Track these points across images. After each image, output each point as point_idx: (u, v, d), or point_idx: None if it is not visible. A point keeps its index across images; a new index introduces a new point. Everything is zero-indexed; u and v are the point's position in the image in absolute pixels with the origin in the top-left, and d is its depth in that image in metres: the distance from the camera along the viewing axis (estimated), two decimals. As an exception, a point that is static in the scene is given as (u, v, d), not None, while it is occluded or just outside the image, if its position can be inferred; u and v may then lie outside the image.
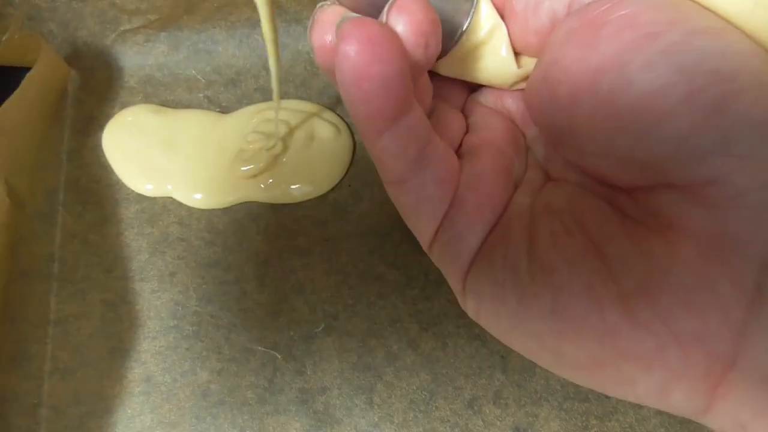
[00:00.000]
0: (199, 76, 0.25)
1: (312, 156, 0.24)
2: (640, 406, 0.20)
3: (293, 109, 0.25)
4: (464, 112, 0.14)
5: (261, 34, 0.25)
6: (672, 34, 0.10)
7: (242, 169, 0.23)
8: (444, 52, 0.13)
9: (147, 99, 0.25)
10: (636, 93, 0.10)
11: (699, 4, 0.11)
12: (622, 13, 0.10)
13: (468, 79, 0.14)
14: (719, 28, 0.10)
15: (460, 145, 0.13)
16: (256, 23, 0.25)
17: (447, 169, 0.12)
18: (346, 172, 0.24)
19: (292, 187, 0.24)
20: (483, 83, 0.14)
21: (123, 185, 0.23)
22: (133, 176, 0.24)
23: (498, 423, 0.20)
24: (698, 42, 0.10)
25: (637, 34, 0.10)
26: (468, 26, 0.13)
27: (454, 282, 0.13)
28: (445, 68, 0.14)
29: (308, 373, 0.21)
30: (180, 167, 0.24)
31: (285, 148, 0.24)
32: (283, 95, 0.25)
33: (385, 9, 0.11)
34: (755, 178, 0.09)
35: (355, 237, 0.23)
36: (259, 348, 0.21)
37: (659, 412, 0.20)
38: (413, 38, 0.11)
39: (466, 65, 0.13)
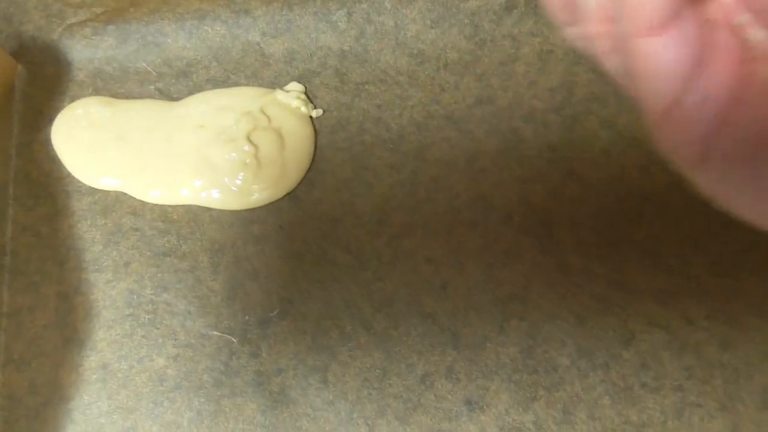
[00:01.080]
0: (149, 69, 0.30)
1: (283, 158, 0.29)
2: (586, 377, 0.25)
3: (252, 96, 0.30)
4: None
5: (210, 25, 0.29)
6: None
7: (236, 182, 0.27)
8: None
9: (97, 92, 0.29)
10: None
11: None
12: None
13: None
14: None
15: None
16: (204, 14, 0.29)
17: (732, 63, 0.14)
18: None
19: (256, 194, 0.28)
20: None
21: (75, 178, 0.27)
22: (84, 169, 0.28)
23: (449, 397, 0.25)
24: None
25: None
26: None
27: (685, 154, 0.14)
28: None
29: (263, 355, 0.25)
30: (131, 161, 0.28)
31: (256, 156, 0.28)
32: (234, 85, 0.29)
33: None
34: None
35: (308, 223, 0.27)
36: (215, 333, 0.25)
37: (604, 380, 0.25)
38: None
39: None
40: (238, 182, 0.29)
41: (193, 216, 0.29)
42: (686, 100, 0.13)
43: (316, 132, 0.30)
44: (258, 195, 0.29)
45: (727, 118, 0.13)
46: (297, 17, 0.31)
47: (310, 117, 0.31)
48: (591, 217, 0.29)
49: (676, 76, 0.13)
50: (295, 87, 0.31)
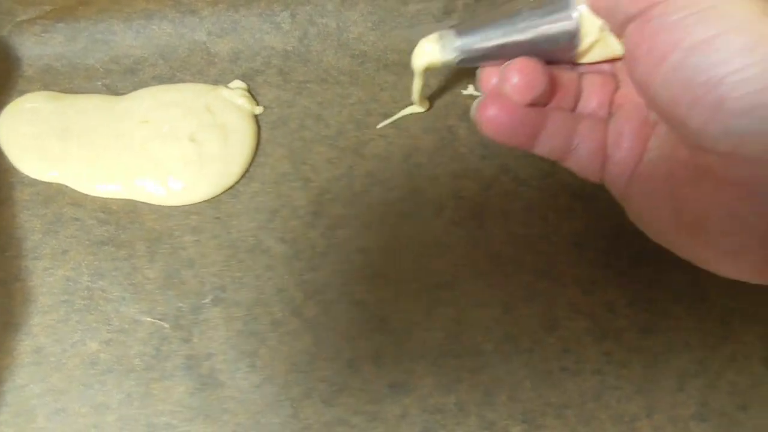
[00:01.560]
0: (97, 65, 0.33)
1: (226, 154, 0.31)
2: (509, 361, 0.28)
3: (197, 91, 0.33)
4: (615, 74, 0.26)
5: (158, 25, 0.33)
6: (675, 54, 0.19)
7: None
8: (577, 54, 0.25)
9: (46, 88, 0.32)
10: (663, 101, 0.21)
11: None
12: (652, 33, 0.20)
13: (598, 60, 0.26)
14: (712, 36, 0.19)
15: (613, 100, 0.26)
16: (152, 14, 0.33)
17: (593, 139, 0.25)
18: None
19: (198, 190, 0.32)
20: (613, 58, 0.25)
21: (19, 170, 0.30)
22: (28, 162, 0.31)
23: (375, 380, 0.27)
24: (692, 59, 0.19)
25: (655, 56, 0.20)
26: (579, 40, 0.25)
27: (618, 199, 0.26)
28: (581, 59, 0.26)
29: (195, 341, 0.28)
30: (74, 154, 0.31)
31: (199, 152, 0.31)
32: (180, 82, 0.32)
33: (503, 67, 0.25)
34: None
35: (245, 214, 0.30)
36: (147, 319, 0.28)
37: (527, 364, 0.28)
38: (522, 84, 0.24)
39: (593, 55, 0.26)
40: (180, 179, 0.32)
41: (134, 207, 0.31)
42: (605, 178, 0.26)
43: (258, 128, 0.33)
44: (199, 191, 0.32)
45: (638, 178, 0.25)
46: (242, 18, 0.34)
47: (254, 114, 0.34)
48: (522, 211, 0.32)
49: (591, 174, 0.27)
50: (238, 84, 0.34)
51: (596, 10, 0.24)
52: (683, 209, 0.23)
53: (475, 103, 0.25)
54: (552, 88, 0.26)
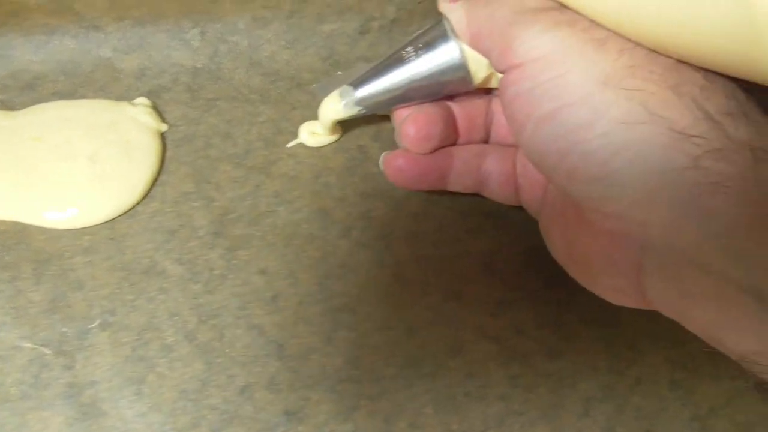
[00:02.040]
0: (-6, 81, 0.32)
1: (128, 173, 0.31)
2: (411, 386, 0.27)
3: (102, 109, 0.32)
4: None
5: (60, 40, 0.32)
6: (540, 109, 0.21)
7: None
8: (478, 86, 0.27)
9: (-64, 102, 0.31)
10: (532, 160, 0.23)
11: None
12: (510, 101, 0.23)
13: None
14: (555, 109, 0.21)
15: None
16: (54, 29, 0.32)
17: (502, 170, 0.29)
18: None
19: (95, 213, 0.31)
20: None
21: None
22: None
23: (269, 408, 0.26)
24: (543, 130, 0.21)
25: (516, 123, 0.22)
26: (471, 76, 0.26)
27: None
28: (487, 85, 0.27)
29: (77, 367, 0.27)
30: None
31: (99, 172, 0.30)
32: (81, 98, 0.32)
33: (401, 120, 0.27)
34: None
35: (142, 235, 0.30)
36: (28, 345, 0.27)
37: (429, 390, 0.27)
38: (419, 137, 0.27)
39: (492, 83, 0.27)
40: (75, 200, 0.31)
41: (22, 228, 0.30)
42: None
43: (164, 146, 0.33)
44: (96, 213, 0.31)
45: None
46: (149, 34, 0.34)
47: (160, 132, 0.33)
48: (432, 232, 0.32)
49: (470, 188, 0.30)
50: (142, 101, 0.34)
51: (475, 49, 0.25)
52: (572, 247, 0.25)
53: (382, 155, 0.28)
54: (454, 128, 0.28)
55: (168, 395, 0.28)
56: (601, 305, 0.31)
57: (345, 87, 0.30)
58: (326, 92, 0.31)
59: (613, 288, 0.24)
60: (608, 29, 0.20)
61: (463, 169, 0.29)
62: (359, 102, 0.29)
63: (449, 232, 0.32)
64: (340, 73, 0.32)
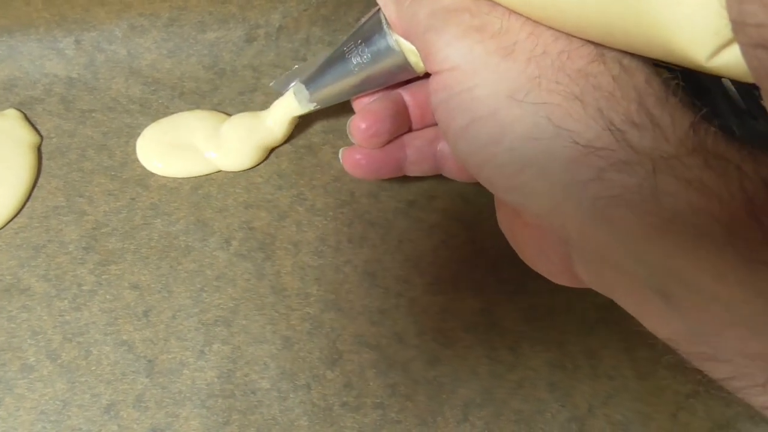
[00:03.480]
0: None
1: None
2: (285, 399, 0.28)
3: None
4: None
5: None
6: (456, 122, 0.22)
7: None
8: (419, 74, 0.27)
9: None
10: (457, 160, 0.27)
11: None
12: (434, 108, 0.24)
13: None
14: (466, 124, 0.22)
15: None
16: None
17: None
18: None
19: None
20: None
21: None
22: None
23: (135, 426, 0.27)
24: (458, 144, 0.23)
25: (444, 123, 0.23)
26: (412, 67, 0.27)
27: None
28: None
29: None
30: None
31: None
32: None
33: (349, 121, 0.29)
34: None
35: (5, 252, 0.30)
36: None
37: (303, 402, 0.28)
38: (368, 135, 0.29)
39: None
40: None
41: None
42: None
43: (39, 161, 0.33)
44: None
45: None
46: (19, 44, 0.35)
47: (35, 146, 0.33)
48: (314, 241, 0.33)
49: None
50: (12, 114, 0.34)
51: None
52: (512, 233, 0.26)
53: (341, 150, 0.30)
54: (406, 117, 0.30)
55: (25, 417, 0.28)
56: (482, 311, 0.32)
57: (298, 85, 0.31)
58: (285, 87, 0.33)
59: (548, 272, 0.25)
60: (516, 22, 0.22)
61: (418, 157, 0.30)
62: (312, 99, 0.31)
63: (331, 241, 0.33)
64: (296, 66, 0.33)
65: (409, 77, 0.28)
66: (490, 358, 0.31)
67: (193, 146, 0.34)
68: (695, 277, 0.18)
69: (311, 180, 0.35)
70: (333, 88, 0.30)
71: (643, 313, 0.21)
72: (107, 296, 0.31)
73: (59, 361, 0.29)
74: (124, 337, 0.30)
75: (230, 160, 0.34)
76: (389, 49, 0.26)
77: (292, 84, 0.32)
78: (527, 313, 0.32)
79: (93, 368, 0.29)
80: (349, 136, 0.30)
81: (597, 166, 0.20)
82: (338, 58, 0.29)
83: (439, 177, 0.33)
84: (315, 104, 0.31)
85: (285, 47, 0.38)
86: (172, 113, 0.36)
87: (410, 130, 0.31)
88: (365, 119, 0.29)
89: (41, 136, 0.34)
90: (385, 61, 0.27)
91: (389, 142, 0.30)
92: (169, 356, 0.30)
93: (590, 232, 0.21)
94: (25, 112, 0.35)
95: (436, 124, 0.31)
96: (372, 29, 0.27)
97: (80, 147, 0.34)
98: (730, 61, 0.16)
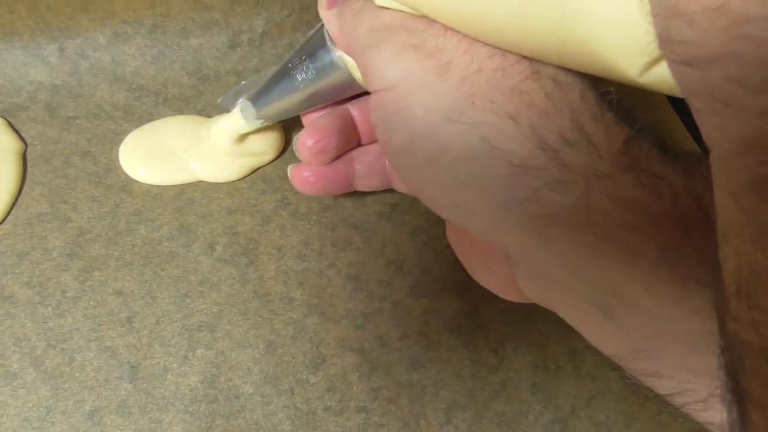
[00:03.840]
0: None
1: None
2: (269, 403, 0.28)
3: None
4: None
5: None
6: (394, 140, 0.23)
7: None
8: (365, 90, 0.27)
9: None
10: (398, 178, 0.30)
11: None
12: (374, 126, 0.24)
13: None
14: (405, 143, 0.22)
15: None
16: None
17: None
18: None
19: None
20: None
21: None
22: None
23: None
24: (398, 162, 0.24)
25: (382, 141, 0.24)
26: (357, 81, 0.26)
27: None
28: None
29: None
30: None
31: None
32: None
33: (295, 139, 0.30)
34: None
35: (-11, 258, 0.30)
36: None
37: (287, 406, 0.28)
38: (313, 152, 0.29)
39: None
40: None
41: None
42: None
43: (24, 168, 0.33)
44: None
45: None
46: (2, 51, 0.35)
47: (20, 153, 0.34)
48: (298, 246, 0.33)
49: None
50: (-5, 121, 0.34)
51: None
52: (459, 248, 0.27)
53: (289, 168, 0.30)
54: (353, 133, 0.30)
55: (9, 425, 0.28)
56: (466, 313, 0.32)
57: (245, 102, 0.31)
58: (233, 104, 0.32)
59: (495, 287, 0.26)
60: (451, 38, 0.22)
61: (367, 172, 0.30)
62: (259, 116, 0.31)
63: (315, 245, 0.34)
64: (243, 82, 0.34)
65: (356, 92, 0.28)
66: (473, 360, 0.32)
67: (175, 154, 0.35)
68: (633, 294, 0.19)
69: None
70: (279, 104, 0.29)
71: (587, 330, 0.22)
72: (91, 302, 0.31)
73: (43, 368, 0.29)
74: (108, 343, 0.30)
75: (213, 171, 0.34)
76: (333, 65, 0.26)
77: (239, 101, 0.32)
78: (510, 315, 0.33)
79: (76, 374, 0.30)
80: (296, 153, 0.30)
81: (531, 186, 0.20)
82: (284, 74, 0.29)
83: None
84: (262, 121, 0.31)
85: (269, 53, 0.38)
86: (157, 119, 0.36)
87: (359, 144, 0.31)
88: (312, 135, 0.29)
89: (25, 144, 0.35)
90: (330, 76, 0.27)
91: (337, 158, 0.30)
92: (153, 362, 0.30)
93: (530, 249, 0.21)
94: (9, 119, 0.35)
95: None
96: (316, 45, 0.27)
97: (64, 154, 0.35)
98: (662, 76, 0.16)
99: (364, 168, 0.30)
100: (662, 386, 0.20)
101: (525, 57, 0.21)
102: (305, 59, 0.28)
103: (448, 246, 0.34)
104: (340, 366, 0.31)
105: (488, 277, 0.25)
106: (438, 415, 0.30)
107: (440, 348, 0.32)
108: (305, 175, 0.30)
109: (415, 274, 0.34)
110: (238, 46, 0.38)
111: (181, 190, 0.34)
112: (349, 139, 0.30)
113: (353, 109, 0.30)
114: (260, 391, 0.30)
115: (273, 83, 0.29)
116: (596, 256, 0.19)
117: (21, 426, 0.28)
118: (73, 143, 0.35)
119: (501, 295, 0.26)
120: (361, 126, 0.30)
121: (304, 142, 0.29)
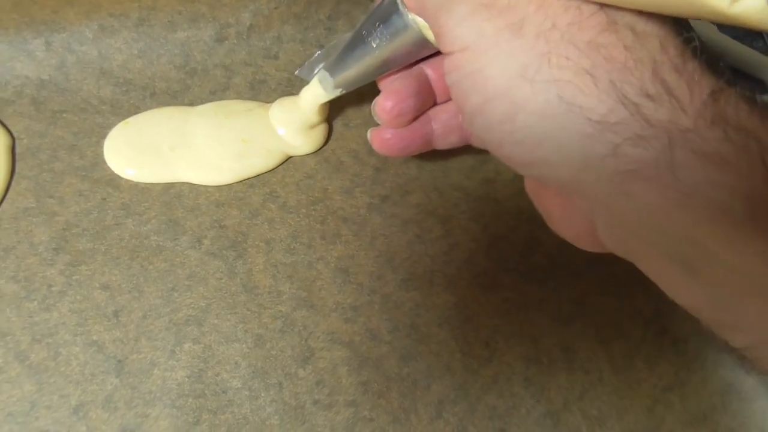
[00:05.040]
0: None
1: None
2: (257, 398, 0.28)
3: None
4: None
5: None
6: (470, 102, 0.23)
7: None
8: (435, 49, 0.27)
9: None
10: (475, 139, 0.31)
11: None
12: (450, 87, 0.25)
13: None
14: (481, 103, 0.23)
15: None
16: None
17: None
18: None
19: None
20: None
21: None
22: None
23: (104, 427, 0.27)
24: (474, 121, 0.24)
25: (459, 102, 0.24)
26: (431, 42, 0.27)
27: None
28: None
29: None
30: None
31: None
32: None
33: (373, 103, 0.30)
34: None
35: (-25, 253, 0.30)
36: None
37: (275, 400, 0.28)
38: (392, 116, 0.29)
39: None
40: None
41: None
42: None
43: (13, 162, 0.34)
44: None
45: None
46: (-12, 46, 0.35)
47: (9, 147, 0.34)
48: (287, 239, 0.33)
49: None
50: (-19, 115, 0.34)
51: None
52: (539, 199, 0.27)
53: (369, 131, 0.31)
54: (429, 93, 0.30)
55: (-7, 420, 0.28)
56: (456, 305, 0.32)
57: (323, 73, 0.32)
58: (310, 75, 0.33)
59: (573, 237, 0.26)
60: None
61: (444, 130, 0.31)
62: (337, 85, 0.31)
63: (304, 238, 0.34)
64: (318, 53, 0.33)
65: (430, 53, 0.28)
66: (464, 353, 0.32)
67: (162, 151, 0.35)
68: (715, 250, 0.19)
69: (283, 177, 0.36)
70: (356, 71, 0.30)
71: (666, 282, 0.22)
72: (77, 297, 0.31)
73: (27, 362, 0.30)
74: (94, 338, 0.30)
75: (208, 175, 0.35)
76: (407, 28, 0.27)
77: (317, 71, 0.33)
78: (501, 307, 0.33)
79: (62, 369, 0.30)
80: (375, 117, 0.30)
81: (612, 142, 0.20)
82: (358, 41, 0.29)
83: (413, 171, 0.34)
84: (341, 89, 0.31)
85: (256, 46, 0.38)
86: (143, 112, 0.36)
87: (435, 103, 0.31)
88: (389, 98, 0.29)
89: (13, 138, 0.35)
90: (404, 40, 0.27)
91: (415, 118, 0.31)
92: (140, 356, 0.30)
93: (612, 203, 0.21)
94: (-4, 114, 0.35)
95: None
96: (388, 9, 0.27)
97: (51, 148, 0.35)
98: (752, 6, 0.16)
99: (442, 127, 0.31)
100: (739, 339, 0.20)
101: (601, 7, 0.20)
102: (378, 25, 0.28)
103: (439, 238, 0.34)
104: (329, 359, 0.31)
105: (568, 228, 0.26)
106: (429, 409, 0.30)
107: (431, 341, 0.32)
108: (386, 137, 0.30)
109: (406, 266, 0.34)
110: (225, 40, 0.38)
111: (169, 184, 0.35)
112: (426, 100, 0.30)
113: (427, 68, 0.30)
114: (248, 386, 0.30)
115: (348, 51, 0.30)
116: (680, 212, 0.19)
117: (5, 421, 0.28)
118: (59, 137, 0.35)
119: (579, 245, 0.26)
120: (435, 85, 0.30)
121: (382, 105, 0.29)
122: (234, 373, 0.30)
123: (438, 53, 0.28)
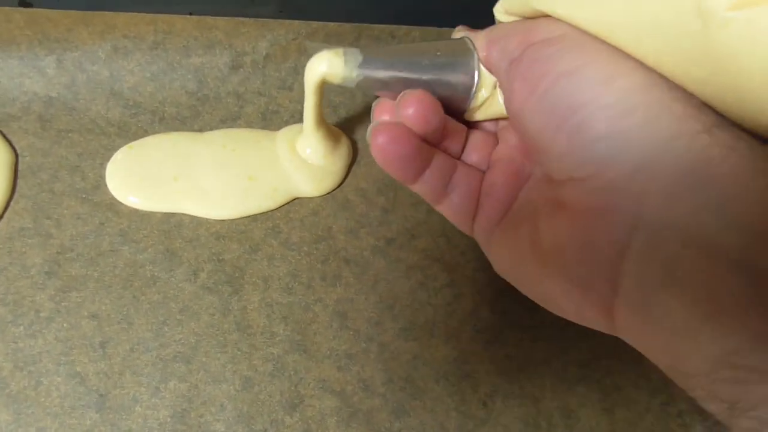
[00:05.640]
0: None
1: None
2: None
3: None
4: (497, 133, 0.29)
5: None
6: (545, 81, 0.23)
7: None
8: (468, 109, 0.27)
9: None
10: (533, 128, 0.24)
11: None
12: (529, 64, 0.24)
13: (487, 119, 0.28)
14: (576, 66, 0.22)
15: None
16: None
17: (469, 186, 0.27)
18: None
19: None
20: (497, 117, 0.28)
21: None
22: None
23: None
24: (558, 86, 0.22)
25: (529, 84, 0.23)
26: (474, 94, 0.27)
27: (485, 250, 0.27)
28: (470, 116, 0.28)
29: None
30: None
31: None
32: None
33: (398, 99, 0.26)
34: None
35: (-35, 272, 0.29)
36: None
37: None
38: (419, 115, 0.25)
39: (483, 111, 0.28)
40: None
41: None
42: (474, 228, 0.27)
43: (15, 179, 0.33)
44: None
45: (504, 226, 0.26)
46: None
47: (12, 163, 0.33)
48: (285, 276, 0.32)
49: (462, 220, 0.27)
50: (-14, 130, 0.34)
51: (488, 62, 0.26)
52: (542, 241, 0.24)
53: (370, 128, 0.26)
54: (443, 130, 0.28)
55: (-34, 449, 0.28)
56: (456, 359, 0.31)
57: (351, 48, 0.28)
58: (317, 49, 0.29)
59: (583, 280, 0.23)
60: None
61: (438, 172, 0.28)
62: (362, 67, 0.27)
63: (304, 278, 0.33)
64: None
65: (455, 108, 0.27)
66: (459, 411, 0.30)
67: (165, 180, 0.34)
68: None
69: (288, 213, 0.35)
70: (389, 70, 0.27)
71: (712, 313, 0.19)
72: (64, 324, 0.30)
73: (7, 391, 0.29)
74: (78, 369, 0.30)
75: (210, 210, 0.34)
76: (469, 68, 0.26)
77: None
78: (503, 365, 0.32)
79: (42, 399, 0.29)
80: (398, 110, 0.26)
81: (706, 123, 0.20)
82: (413, 50, 0.27)
83: (422, 214, 0.33)
84: (360, 73, 0.27)
85: (272, 76, 0.38)
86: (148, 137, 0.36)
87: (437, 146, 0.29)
88: (424, 99, 0.26)
89: (17, 154, 0.34)
90: (458, 76, 0.27)
91: (425, 144, 0.27)
92: (123, 391, 0.29)
93: (679, 194, 0.20)
94: (1, 129, 0.35)
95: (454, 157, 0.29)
96: (457, 47, 0.27)
97: (53, 167, 0.34)
98: None
99: (438, 165, 0.28)
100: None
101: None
102: (440, 55, 0.27)
103: (444, 287, 0.33)
104: (318, 408, 0.30)
105: (582, 264, 0.23)
106: (418, 469, 0.29)
107: (426, 396, 0.31)
108: (387, 140, 0.26)
109: (406, 315, 0.33)
110: (240, 68, 0.37)
111: (170, 212, 0.34)
112: (438, 134, 0.28)
113: None
114: (232, 430, 0.29)
115: (396, 52, 0.27)
116: (763, 203, 0.19)
117: (-22, 451, 0.28)
118: (63, 157, 0.35)
119: (584, 310, 0.23)
120: (443, 134, 0.28)
121: (410, 100, 0.26)
122: (218, 416, 0.29)
123: (456, 119, 0.28)
